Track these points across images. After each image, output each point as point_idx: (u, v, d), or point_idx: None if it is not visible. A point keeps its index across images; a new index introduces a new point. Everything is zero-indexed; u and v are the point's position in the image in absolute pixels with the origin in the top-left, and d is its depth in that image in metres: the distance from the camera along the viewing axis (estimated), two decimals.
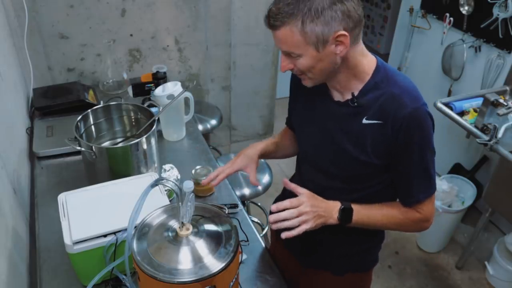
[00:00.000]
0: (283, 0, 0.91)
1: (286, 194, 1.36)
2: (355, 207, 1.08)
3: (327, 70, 0.99)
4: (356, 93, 1.04)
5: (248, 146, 1.29)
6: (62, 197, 1.26)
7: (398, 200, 1.13)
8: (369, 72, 1.03)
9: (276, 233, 1.39)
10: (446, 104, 2.29)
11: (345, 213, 1.07)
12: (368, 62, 1.03)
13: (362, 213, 1.08)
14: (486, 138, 2.00)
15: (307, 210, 1.02)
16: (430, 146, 1.03)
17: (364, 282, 1.32)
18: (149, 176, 1.28)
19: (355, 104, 1.03)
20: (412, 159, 1.02)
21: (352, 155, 1.06)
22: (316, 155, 1.16)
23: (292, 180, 1.36)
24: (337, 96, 1.08)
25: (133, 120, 1.66)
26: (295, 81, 1.19)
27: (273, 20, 0.93)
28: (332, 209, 1.07)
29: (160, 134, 1.84)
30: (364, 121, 1.03)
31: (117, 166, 1.43)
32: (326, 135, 1.11)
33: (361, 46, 1.01)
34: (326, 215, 1.05)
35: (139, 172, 1.46)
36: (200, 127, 2.41)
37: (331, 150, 1.10)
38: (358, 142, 1.05)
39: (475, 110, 2.21)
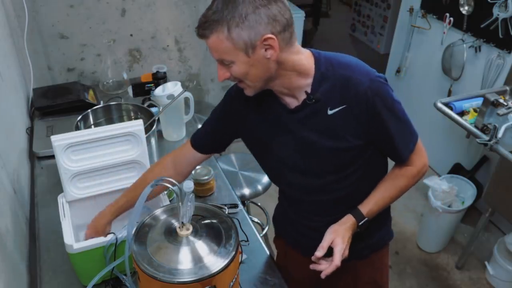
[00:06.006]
0: (210, 9, 0.94)
1: (282, 201, 1.35)
2: (361, 206, 1.14)
3: (262, 75, 1.00)
4: (309, 90, 1.05)
5: (100, 212, 1.23)
6: (62, 197, 1.26)
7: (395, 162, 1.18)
8: (311, 66, 1.04)
9: (286, 240, 1.39)
10: (446, 104, 2.28)
11: (357, 214, 1.13)
12: (306, 57, 1.05)
13: (370, 205, 1.14)
14: (486, 138, 2.00)
15: (344, 247, 1.09)
16: (397, 102, 1.06)
17: (386, 258, 1.37)
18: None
19: (313, 100, 1.05)
20: (388, 124, 1.05)
21: (332, 147, 1.08)
22: (297, 162, 1.15)
23: (281, 200, 1.37)
24: (292, 102, 1.08)
25: (133, 120, 1.66)
26: (237, 106, 1.17)
27: (201, 29, 0.95)
28: (348, 221, 1.13)
29: (160, 134, 1.84)
30: (329, 112, 1.05)
31: None
32: (299, 141, 1.11)
33: (296, 46, 1.02)
34: (350, 233, 1.12)
35: None
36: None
37: (310, 152, 1.11)
38: (331, 134, 1.06)
39: (475, 110, 2.21)
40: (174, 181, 0.99)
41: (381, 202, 1.15)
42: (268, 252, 1.35)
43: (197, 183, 1.51)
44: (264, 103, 1.12)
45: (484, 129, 2.06)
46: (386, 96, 1.03)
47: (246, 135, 1.21)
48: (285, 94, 1.08)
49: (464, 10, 2.53)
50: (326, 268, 1.07)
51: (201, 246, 0.96)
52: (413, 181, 1.17)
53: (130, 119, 1.67)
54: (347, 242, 1.10)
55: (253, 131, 1.18)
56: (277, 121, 1.12)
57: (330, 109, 1.04)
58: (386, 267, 1.39)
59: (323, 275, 1.07)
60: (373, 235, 1.28)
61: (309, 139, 1.09)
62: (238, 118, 1.18)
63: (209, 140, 1.26)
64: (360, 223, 1.12)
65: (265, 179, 2.05)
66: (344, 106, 1.03)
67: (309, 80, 1.04)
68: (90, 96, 2.03)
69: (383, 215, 1.29)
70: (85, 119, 1.57)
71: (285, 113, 1.10)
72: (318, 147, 1.09)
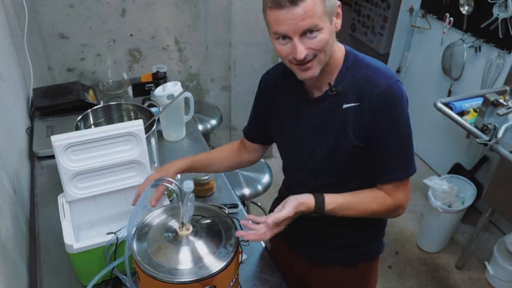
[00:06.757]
0: None
1: (284, 196, 1.35)
2: (328, 201, 1.05)
3: (332, 48, 1.01)
4: (332, 82, 1.06)
5: (173, 161, 1.25)
6: (62, 197, 1.26)
7: (375, 181, 1.11)
8: (341, 59, 1.06)
9: (281, 239, 1.38)
10: (446, 104, 2.29)
11: (319, 206, 1.05)
12: (339, 48, 1.07)
13: (336, 206, 1.06)
14: (486, 138, 2.00)
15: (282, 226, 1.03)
16: (406, 123, 1.04)
17: (374, 269, 1.35)
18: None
19: (334, 92, 1.06)
20: (389, 136, 1.04)
21: (339, 143, 1.07)
22: (305, 156, 1.15)
23: (281, 192, 1.38)
24: (316, 93, 1.10)
25: (133, 120, 1.66)
26: (267, 91, 1.20)
27: None
28: (308, 204, 1.05)
29: (160, 134, 1.85)
30: (344, 105, 1.05)
31: None
32: (311, 133, 1.11)
33: None
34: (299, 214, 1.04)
35: None
36: (200, 127, 2.41)
37: (320, 146, 1.11)
38: (342, 129, 1.06)
39: (475, 110, 2.21)
40: (174, 181, 0.99)
41: (344, 209, 1.07)
42: (268, 252, 1.35)
43: (197, 183, 1.51)
44: (287, 91, 1.14)
45: (484, 129, 2.06)
46: (398, 105, 1.02)
47: (272, 122, 1.23)
48: (313, 84, 1.09)
49: (464, 10, 2.53)
50: (251, 234, 1.01)
51: (201, 246, 0.96)
52: (383, 213, 1.12)
53: (130, 119, 1.67)
54: (287, 222, 1.03)
55: (274, 118, 1.21)
56: (296, 110, 1.14)
57: (345, 103, 1.05)
58: (375, 277, 1.36)
59: (238, 234, 1.00)
60: (368, 245, 1.27)
61: (321, 132, 1.10)
62: (267, 107, 1.22)
63: (254, 130, 1.31)
64: (313, 215, 1.05)
65: (265, 179, 2.05)
66: (358, 103, 1.04)
67: (335, 72, 1.06)
68: (90, 96, 2.03)
69: (383, 226, 1.28)
70: (85, 119, 1.57)
71: (305, 102, 1.12)
72: (327, 142, 1.09)
